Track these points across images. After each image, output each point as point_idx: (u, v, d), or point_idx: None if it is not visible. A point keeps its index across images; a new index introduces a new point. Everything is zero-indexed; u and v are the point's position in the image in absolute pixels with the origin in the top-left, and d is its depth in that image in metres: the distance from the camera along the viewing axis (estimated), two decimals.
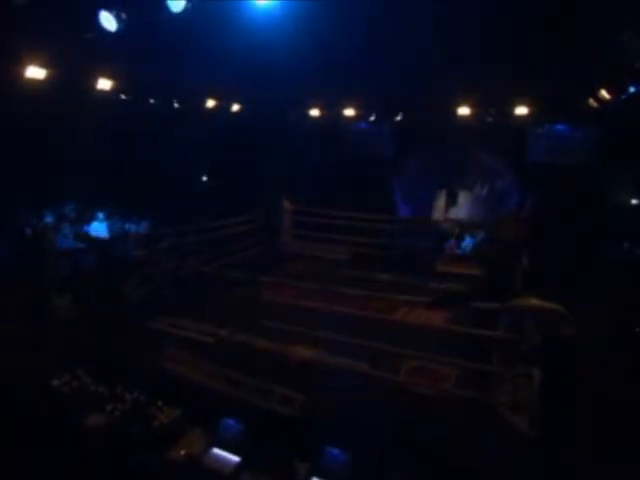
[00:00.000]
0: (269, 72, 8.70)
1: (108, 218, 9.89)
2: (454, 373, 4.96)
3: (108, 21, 4.65)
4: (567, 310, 4.07)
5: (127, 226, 10.15)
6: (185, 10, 4.27)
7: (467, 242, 9.88)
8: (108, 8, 4.46)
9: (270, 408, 4.46)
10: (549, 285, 5.44)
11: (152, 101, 8.41)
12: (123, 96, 7.93)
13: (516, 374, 4.27)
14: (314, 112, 10.28)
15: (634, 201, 9.07)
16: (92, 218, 9.82)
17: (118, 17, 4.55)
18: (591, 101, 7.10)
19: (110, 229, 9.79)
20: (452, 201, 11.40)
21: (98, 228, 9.54)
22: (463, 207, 11.20)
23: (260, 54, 7.45)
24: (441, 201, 11.53)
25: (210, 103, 9.06)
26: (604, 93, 6.75)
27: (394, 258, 9.13)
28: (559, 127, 9.71)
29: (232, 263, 8.35)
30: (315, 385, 4.68)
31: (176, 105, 8.76)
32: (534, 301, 4.05)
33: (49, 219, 9.86)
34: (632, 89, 6.48)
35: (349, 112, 10.55)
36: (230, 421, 4.35)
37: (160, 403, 4.74)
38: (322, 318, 5.13)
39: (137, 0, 4.43)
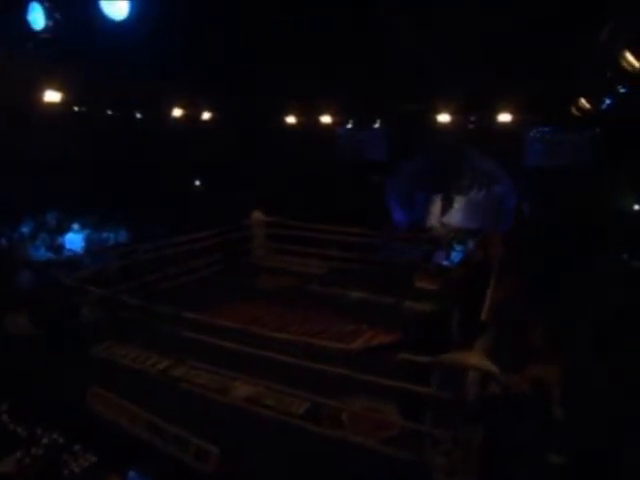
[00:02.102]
0: (242, 77, 8.33)
1: (84, 228, 9.67)
2: (399, 421, 4.47)
3: None
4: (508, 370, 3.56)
5: (105, 236, 9.93)
6: (47, 27, 3.85)
7: (457, 253, 9.24)
8: None
9: (184, 461, 4.08)
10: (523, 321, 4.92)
11: (110, 112, 8.11)
12: (76, 108, 7.65)
13: (453, 435, 3.75)
14: (291, 119, 9.77)
15: (637, 207, 8.21)
16: (69, 228, 9.62)
17: None
18: (574, 110, 6.49)
19: (87, 240, 9.57)
20: (448, 206, 10.85)
21: (73, 239, 9.33)
22: (458, 212, 10.61)
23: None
24: (437, 206, 10.96)
25: (177, 112, 8.66)
26: (584, 102, 6.12)
27: (374, 272, 8.59)
28: (555, 130, 8.94)
29: (196, 281, 8.01)
30: (236, 435, 4.28)
31: (138, 115, 8.43)
32: (468, 358, 3.51)
33: (26, 229, 9.69)
34: (608, 101, 5.85)
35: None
36: (136, 474, 4.01)
37: (77, 447, 4.46)
38: (256, 360, 4.70)
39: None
